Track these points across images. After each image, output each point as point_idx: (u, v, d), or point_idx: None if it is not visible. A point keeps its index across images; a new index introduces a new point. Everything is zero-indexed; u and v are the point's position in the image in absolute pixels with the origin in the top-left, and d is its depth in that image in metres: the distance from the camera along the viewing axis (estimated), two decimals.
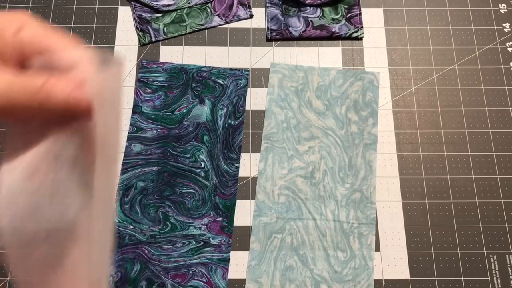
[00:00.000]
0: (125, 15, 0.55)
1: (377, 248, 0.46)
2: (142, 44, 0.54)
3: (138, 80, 0.52)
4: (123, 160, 0.49)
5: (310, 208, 0.47)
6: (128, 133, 0.50)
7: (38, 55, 0.22)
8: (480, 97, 0.52)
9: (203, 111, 0.50)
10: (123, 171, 0.48)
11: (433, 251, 0.46)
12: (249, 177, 0.49)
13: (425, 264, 0.46)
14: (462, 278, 0.46)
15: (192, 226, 0.46)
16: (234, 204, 0.47)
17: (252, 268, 0.45)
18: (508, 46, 0.54)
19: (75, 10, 0.55)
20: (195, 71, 0.52)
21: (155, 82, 0.51)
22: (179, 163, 0.48)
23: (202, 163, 0.48)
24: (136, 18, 0.54)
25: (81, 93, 0.20)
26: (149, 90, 0.51)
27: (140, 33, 0.54)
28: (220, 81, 0.51)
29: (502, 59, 0.54)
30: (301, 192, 0.48)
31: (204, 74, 0.52)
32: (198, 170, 0.48)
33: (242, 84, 0.52)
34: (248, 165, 0.49)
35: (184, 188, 0.47)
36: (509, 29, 0.55)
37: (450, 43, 0.55)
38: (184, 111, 0.50)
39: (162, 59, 0.53)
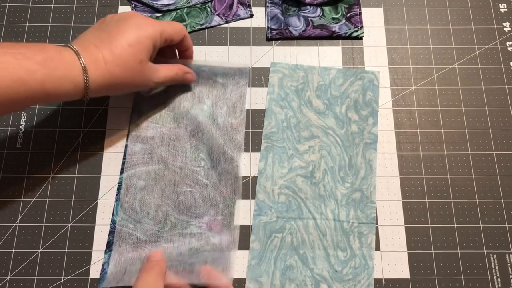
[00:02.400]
0: None
1: (377, 248, 0.46)
2: None
3: None
4: (123, 159, 0.49)
5: (310, 207, 0.47)
6: (128, 132, 0.50)
7: (171, 44, 0.47)
8: (480, 96, 0.52)
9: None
10: (123, 170, 0.48)
11: (433, 251, 0.46)
12: (249, 177, 0.49)
13: (425, 264, 0.46)
14: (462, 278, 0.46)
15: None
16: (234, 203, 0.47)
17: (252, 267, 0.45)
18: (508, 45, 0.54)
19: (75, 9, 0.55)
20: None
21: None
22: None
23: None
24: None
25: (191, 75, 0.49)
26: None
27: None
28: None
29: (502, 59, 0.54)
30: (301, 191, 0.48)
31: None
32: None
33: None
34: (248, 164, 0.49)
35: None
36: (509, 29, 0.55)
37: (450, 43, 0.55)
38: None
39: None
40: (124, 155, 0.49)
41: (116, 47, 0.41)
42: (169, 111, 0.50)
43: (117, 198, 0.47)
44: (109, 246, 0.45)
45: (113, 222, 0.46)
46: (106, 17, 0.44)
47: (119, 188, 0.48)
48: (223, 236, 0.46)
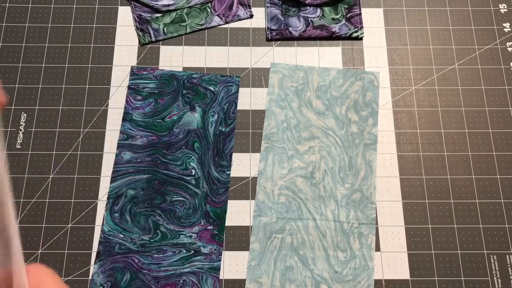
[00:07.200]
0: (125, 15, 0.55)
1: (377, 248, 0.46)
2: (142, 44, 0.54)
3: (128, 87, 0.52)
4: (113, 168, 0.48)
5: (310, 208, 0.47)
6: (119, 140, 0.49)
7: None
8: (480, 97, 0.52)
9: (193, 118, 0.50)
10: (113, 179, 0.48)
11: (433, 251, 0.46)
12: (249, 177, 0.49)
13: (425, 264, 0.46)
14: (462, 278, 0.46)
15: (182, 234, 0.46)
16: (225, 212, 0.47)
17: (252, 268, 0.45)
18: (508, 46, 0.54)
19: (75, 10, 0.55)
20: (186, 78, 0.52)
21: (146, 89, 0.51)
22: (169, 170, 0.48)
23: (193, 171, 0.48)
24: (136, 18, 0.54)
25: None
26: (139, 97, 0.51)
27: (140, 33, 0.54)
28: (211, 88, 0.51)
29: (502, 59, 0.54)
30: (301, 192, 0.48)
31: (195, 80, 0.52)
32: (188, 178, 0.48)
33: (233, 91, 0.52)
34: (248, 165, 0.49)
35: (175, 196, 0.47)
36: (509, 29, 0.55)
37: (450, 43, 0.55)
38: (175, 118, 0.50)
39: (162, 59, 0.53)
40: (114, 164, 0.49)
41: None
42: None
43: (107, 208, 0.47)
44: (99, 256, 0.45)
45: (103, 231, 0.46)
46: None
47: (109, 198, 0.47)
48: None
